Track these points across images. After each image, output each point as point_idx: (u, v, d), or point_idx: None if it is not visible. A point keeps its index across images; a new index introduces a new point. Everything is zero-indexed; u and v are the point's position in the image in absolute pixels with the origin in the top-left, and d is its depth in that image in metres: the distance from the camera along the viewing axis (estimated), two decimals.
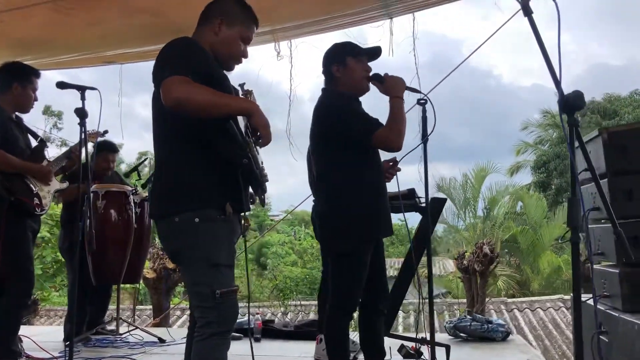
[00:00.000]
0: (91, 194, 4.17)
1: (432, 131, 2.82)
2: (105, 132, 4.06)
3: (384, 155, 2.94)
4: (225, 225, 2.08)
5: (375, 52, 2.86)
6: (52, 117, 29.02)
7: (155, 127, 2.16)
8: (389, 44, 4.86)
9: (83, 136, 3.04)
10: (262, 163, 2.27)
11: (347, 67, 2.76)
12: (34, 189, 3.28)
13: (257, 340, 4.45)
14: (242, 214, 2.23)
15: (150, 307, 8.24)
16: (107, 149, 4.60)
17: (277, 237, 24.65)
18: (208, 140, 2.02)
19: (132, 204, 4.37)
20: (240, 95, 2.33)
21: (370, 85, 2.82)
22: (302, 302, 9.59)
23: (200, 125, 2.01)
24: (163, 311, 6.37)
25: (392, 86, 2.71)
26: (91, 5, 3.80)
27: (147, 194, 4.61)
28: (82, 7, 3.80)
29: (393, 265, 14.42)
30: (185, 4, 3.91)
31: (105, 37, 4.23)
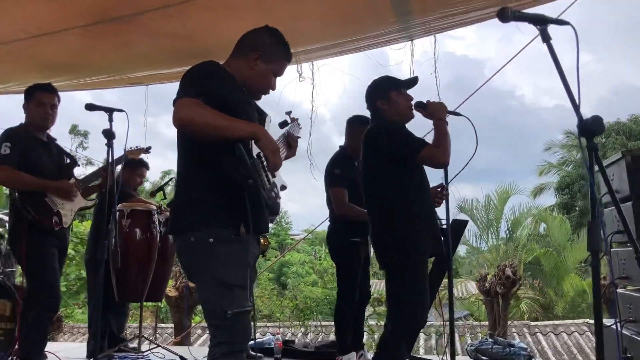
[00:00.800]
0: (117, 212, 4.28)
1: (474, 152, 3.00)
2: (149, 148, 4.16)
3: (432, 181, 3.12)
4: (240, 245, 2.10)
5: (413, 82, 3.08)
6: (78, 137, 29.63)
7: (178, 146, 2.23)
8: (410, 65, 4.94)
9: (111, 156, 3.14)
10: (279, 186, 2.31)
11: (390, 100, 2.98)
12: (53, 207, 3.37)
13: None
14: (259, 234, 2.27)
15: (172, 325, 8.30)
16: (143, 165, 4.71)
17: (298, 256, 24.62)
18: (217, 162, 2.07)
19: (157, 222, 4.44)
20: (289, 123, 2.50)
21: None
22: (323, 323, 9.54)
23: (209, 147, 2.06)
24: (184, 329, 6.41)
25: (435, 111, 2.94)
26: (120, 30, 3.91)
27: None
28: (112, 32, 3.92)
29: None
30: (211, 30, 4.05)
31: (133, 60, 4.35)
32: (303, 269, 24.10)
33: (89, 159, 27.06)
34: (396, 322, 2.78)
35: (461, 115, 3.04)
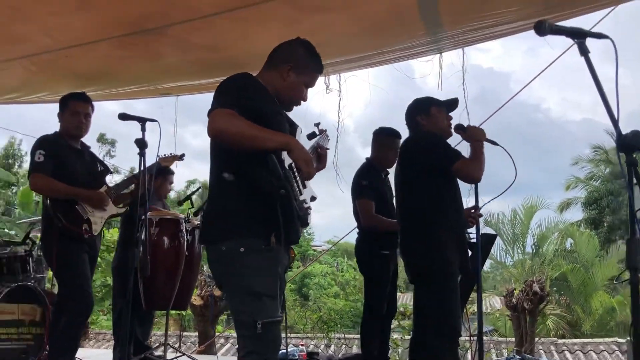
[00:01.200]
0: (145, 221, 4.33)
1: (513, 181, 2.98)
2: (183, 155, 4.20)
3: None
4: (270, 255, 2.11)
5: (454, 104, 3.19)
6: (105, 145, 30.14)
7: (211, 157, 2.26)
8: (438, 78, 4.92)
9: (144, 165, 3.18)
10: (310, 197, 2.32)
11: (431, 115, 3.07)
12: (83, 214, 3.41)
13: None
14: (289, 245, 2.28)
15: (194, 333, 8.34)
16: (171, 173, 4.78)
17: (320, 267, 24.55)
18: (249, 172, 2.09)
19: (184, 231, 4.48)
20: (318, 135, 2.52)
21: None
22: (346, 336, 9.49)
23: (242, 157, 2.09)
24: (209, 338, 6.43)
25: (474, 134, 3.03)
26: (152, 41, 3.98)
27: (198, 222, 4.74)
28: (143, 43, 3.98)
29: None
30: (239, 42, 4.09)
31: (163, 71, 4.41)
32: (325, 280, 24.02)
33: (116, 167, 27.38)
34: (431, 332, 2.77)
35: (498, 145, 3.08)
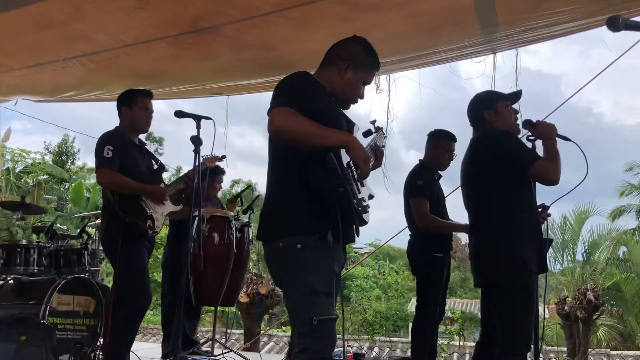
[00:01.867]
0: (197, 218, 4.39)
1: (585, 177, 2.87)
2: (223, 157, 4.25)
3: None
4: (327, 253, 2.11)
5: (517, 96, 3.01)
6: (153, 143, 30.89)
7: (268, 154, 2.27)
8: (491, 78, 4.82)
9: (198, 162, 3.21)
10: (370, 196, 2.29)
11: (497, 111, 2.90)
12: (148, 210, 3.46)
13: None
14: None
15: (238, 331, 8.40)
16: (221, 172, 4.84)
17: (362, 270, 24.49)
18: (308, 170, 2.08)
19: (234, 229, 4.53)
20: (374, 132, 2.48)
21: None
22: (386, 338, 9.41)
23: (302, 155, 2.08)
24: (254, 336, 6.48)
25: (545, 130, 2.83)
26: (206, 40, 4.03)
27: (247, 220, 4.78)
28: (198, 42, 4.04)
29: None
30: (292, 41, 4.09)
31: (217, 70, 4.46)
32: (367, 283, 23.94)
33: (164, 165, 27.88)
34: (509, 344, 2.65)
35: (570, 140, 2.88)
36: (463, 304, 17.95)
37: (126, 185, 3.38)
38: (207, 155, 4.03)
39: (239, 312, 6.67)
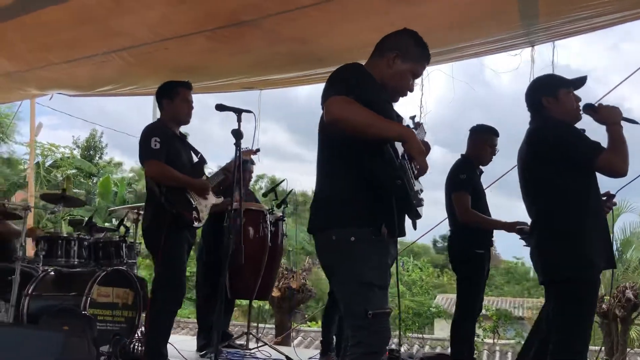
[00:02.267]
0: (233, 211, 4.40)
1: None
2: (258, 150, 4.24)
3: None
4: (380, 246, 2.10)
5: (582, 82, 2.81)
6: None
7: (319, 145, 2.26)
8: (530, 71, 4.73)
9: (239, 155, 3.21)
10: (420, 190, 2.27)
11: (558, 98, 2.73)
12: (193, 202, 3.48)
13: None
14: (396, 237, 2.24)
15: (269, 325, 8.42)
16: (251, 163, 4.82)
17: None
18: (363, 162, 2.06)
19: (269, 222, 4.53)
20: (413, 128, 2.40)
21: None
22: (416, 335, 9.36)
23: (358, 146, 2.06)
24: (285, 330, 6.50)
25: (608, 115, 2.64)
26: (243, 34, 4.03)
27: (281, 214, 4.78)
28: (235, 36, 4.04)
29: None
30: (329, 33, 4.07)
31: (252, 64, 4.46)
32: (392, 280, 23.81)
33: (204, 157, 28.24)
34: (571, 345, 2.54)
35: (638, 123, 2.71)
36: (488, 301, 17.78)
37: (173, 177, 3.39)
38: (245, 149, 4.04)
39: (270, 307, 6.71)
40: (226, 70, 4.75)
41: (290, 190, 4.87)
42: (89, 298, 3.79)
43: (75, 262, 4.08)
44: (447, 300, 18.52)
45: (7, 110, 17.79)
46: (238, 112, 3.29)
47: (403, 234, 2.21)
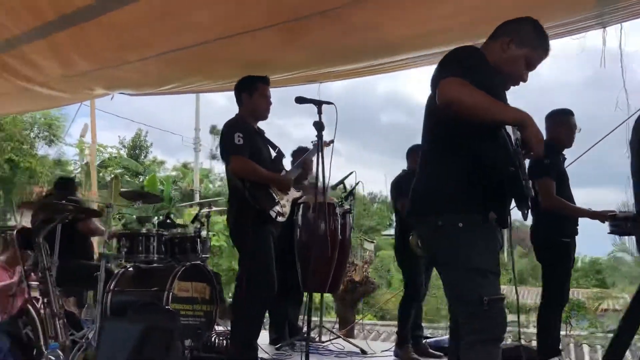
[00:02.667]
0: (302, 204, 4.40)
1: None
2: (332, 141, 4.21)
3: None
4: (489, 232, 2.06)
5: None
6: (217, 136, 31.55)
7: (425, 130, 2.22)
8: (601, 54, 4.56)
9: (321, 147, 3.19)
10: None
11: None
12: (276, 197, 3.47)
13: None
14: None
15: (331, 318, 8.42)
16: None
17: None
18: (476, 146, 2.01)
19: (339, 215, 4.50)
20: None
21: None
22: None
23: (470, 130, 2.01)
24: (348, 323, 6.48)
25: None
26: (312, 25, 3.97)
27: (349, 206, 4.74)
28: (305, 28, 3.98)
29: None
30: (401, 19, 3.98)
31: (321, 56, 4.40)
32: None
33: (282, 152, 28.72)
34: None
35: None
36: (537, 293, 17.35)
37: (258, 172, 3.39)
38: (315, 141, 4.01)
39: (334, 300, 6.71)
40: (293, 64, 4.69)
41: (357, 182, 4.83)
42: (171, 293, 3.84)
43: (155, 258, 4.14)
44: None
45: (57, 113, 18.33)
46: (319, 104, 3.28)
47: (506, 224, 2.16)
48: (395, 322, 4.66)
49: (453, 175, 2.06)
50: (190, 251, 4.29)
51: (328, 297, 7.30)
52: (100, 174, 18.27)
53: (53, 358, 2.53)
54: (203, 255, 4.41)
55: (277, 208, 3.45)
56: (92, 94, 5.55)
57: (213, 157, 30.90)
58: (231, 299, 3.79)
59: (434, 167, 2.15)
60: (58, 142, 18.27)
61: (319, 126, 3.25)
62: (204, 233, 4.71)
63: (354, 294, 6.45)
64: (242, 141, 3.34)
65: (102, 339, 2.91)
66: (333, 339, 4.67)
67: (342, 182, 4.90)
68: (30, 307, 2.86)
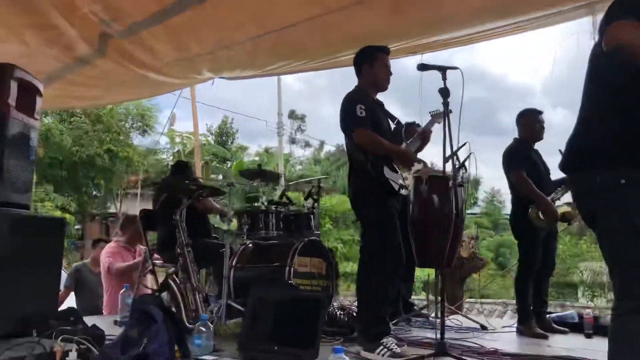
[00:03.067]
0: (415, 178, 4.29)
1: None
2: (450, 111, 4.06)
3: None
4: None
5: None
6: (296, 121, 31.93)
7: (587, 83, 2.06)
8: None
9: (446, 115, 3.09)
10: None
11: None
12: (398, 170, 3.40)
13: (589, 336, 4.10)
14: None
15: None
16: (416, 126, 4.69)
17: None
18: None
19: (453, 188, 4.37)
20: None
21: None
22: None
23: (637, 78, 1.84)
24: (457, 300, 6.35)
25: None
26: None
27: (461, 180, 4.59)
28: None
29: None
30: None
31: (433, 22, 4.23)
32: None
33: (307, 141, 28.92)
34: None
35: None
36: None
37: (382, 144, 3.33)
38: (434, 111, 3.89)
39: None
40: (403, 33, 4.54)
41: (470, 154, 4.64)
42: (292, 268, 3.88)
43: (274, 234, 4.19)
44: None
45: (148, 104, 19.17)
46: (443, 69, 3.17)
47: None
48: (496, 300, 4.50)
49: (615, 128, 1.90)
50: (305, 227, 4.32)
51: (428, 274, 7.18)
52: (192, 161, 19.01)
53: (204, 329, 2.60)
54: (316, 232, 4.43)
55: (400, 180, 3.37)
56: (198, 79, 5.67)
57: (293, 141, 31.36)
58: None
59: (594, 119, 2.00)
60: (150, 131, 19.13)
61: (444, 93, 3.15)
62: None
63: (462, 271, 6.30)
64: (364, 113, 3.28)
65: (248, 311, 2.90)
66: (449, 316, 4.56)
67: (456, 152, 4.73)
68: (171, 282, 2.97)
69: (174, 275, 3.04)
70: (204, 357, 2.24)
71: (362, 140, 3.32)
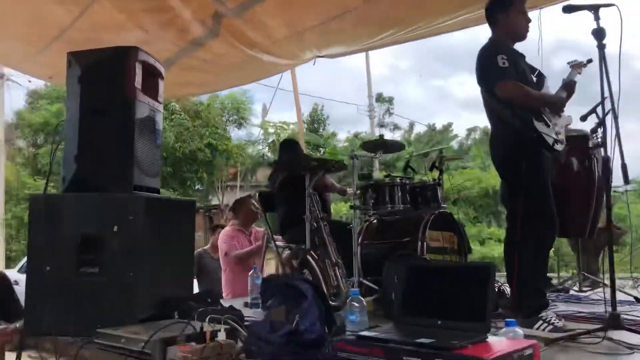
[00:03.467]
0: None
1: None
2: (590, 61, 3.64)
3: None
4: None
5: None
6: (384, 104, 31.44)
7: None
8: None
9: (602, 58, 2.72)
10: None
11: None
12: (549, 123, 3.07)
13: None
14: None
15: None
16: None
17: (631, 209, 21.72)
18: None
19: (594, 147, 3.95)
20: None
21: None
22: None
23: None
24: (593, 274, 5.82)
25: None
26: None
27: (597, 140, 4.15)
28: None
29: None
30: None
31: None
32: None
33: (396, 124, 28.55)
34: None
35: None
36: None
37: (531, 95, 3.02)
38: (573, 61, 3.50)
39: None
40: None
41: (608, 111, 4.19)
42: (424, 243, 3.65)
43: (401, 208, 3.96)
44: None
45: (242, 97, 19.57)
46: (595, 8, 2.80)
47: None
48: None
49: None
50: (432, 200, 4.06)
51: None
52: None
53: (357, 304, 2.45)
54: (443, 204, 4.16)
55: (553, 135, 3.04)
56: (303, 58, 5.55)
57: (381, 124, 30.93)
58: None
59: None
60: (245, 124, 19.51)
61: (599, 34, 2.77)
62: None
63: (597, 242, 5.75)
64: (506, 63, 2.97)
65: (398, 285, 2.70)
66: (597, 290, 4.16)
67: (594, 109, 4.29)
68: (310, 258, 2.84)
69: (312, 251, 2.91)
70: (362, 333, 2.08)
71: (508, 94, 2.99)
